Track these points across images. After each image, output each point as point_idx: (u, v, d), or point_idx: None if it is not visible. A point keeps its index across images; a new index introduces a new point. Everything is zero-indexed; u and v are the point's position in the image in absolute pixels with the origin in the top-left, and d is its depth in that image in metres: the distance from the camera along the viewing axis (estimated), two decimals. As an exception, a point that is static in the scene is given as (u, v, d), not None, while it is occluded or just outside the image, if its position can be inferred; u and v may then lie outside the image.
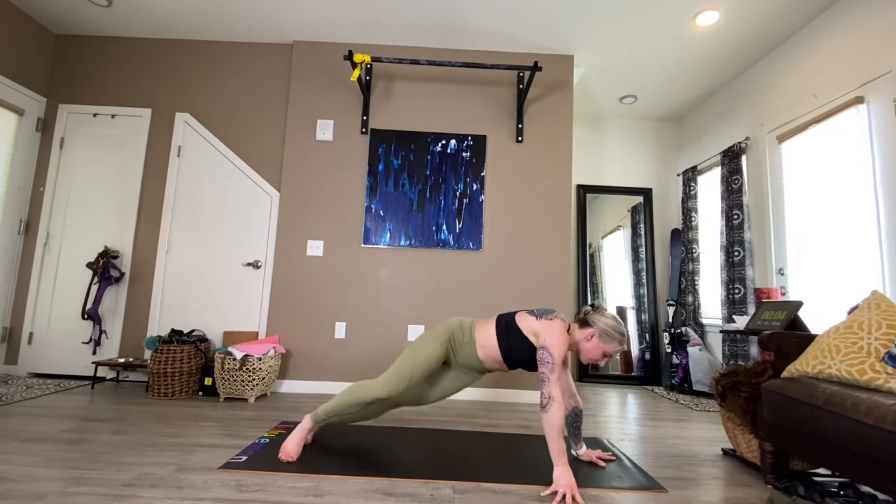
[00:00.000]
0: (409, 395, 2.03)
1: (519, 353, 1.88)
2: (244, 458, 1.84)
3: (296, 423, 2.36)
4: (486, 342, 1.93)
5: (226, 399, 2.88)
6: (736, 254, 3.51)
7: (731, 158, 3.66)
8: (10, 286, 3.36)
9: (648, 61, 3.62)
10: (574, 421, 2.01)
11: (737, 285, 3.47)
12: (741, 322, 2.53)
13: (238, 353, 2.82)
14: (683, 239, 4.21)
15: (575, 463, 1.96)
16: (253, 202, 3.43)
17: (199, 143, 3.48)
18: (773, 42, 3.31)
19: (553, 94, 3.51)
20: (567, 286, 3.32)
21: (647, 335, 4.32)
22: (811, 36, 3.06)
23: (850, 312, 1.85)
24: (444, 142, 3.42)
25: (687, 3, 2.92)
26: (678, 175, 4.50)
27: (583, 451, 2.02)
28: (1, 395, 2.68)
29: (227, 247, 3.39)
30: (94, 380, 3.12)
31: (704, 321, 4.03)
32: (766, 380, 1.96)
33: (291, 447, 1.85)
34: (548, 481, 1.71)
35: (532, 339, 1.86)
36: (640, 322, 4.36)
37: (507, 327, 1.91)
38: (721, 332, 2.91)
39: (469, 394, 3.23)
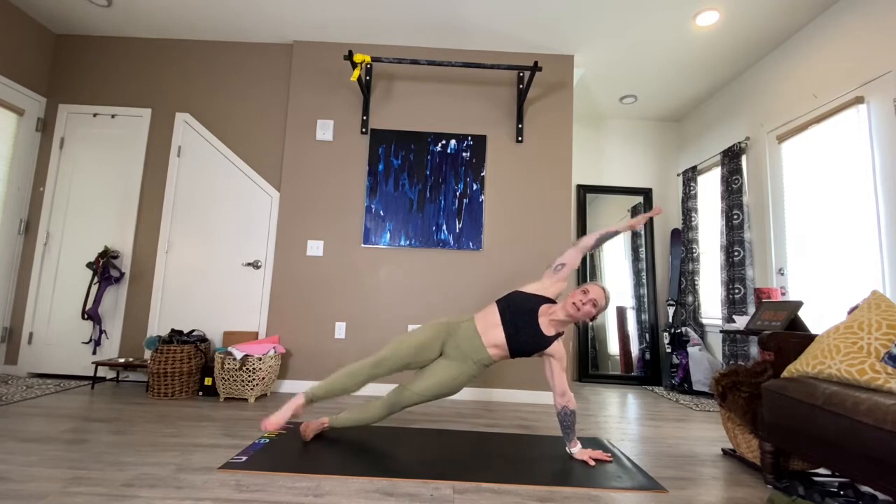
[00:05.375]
0: (397, 363, 2.07)
1: (523, 306, 2.09)
2: (244, 458, 1.84)
3: (296, 424, 2.36)
4: (488, 317, 2.12)
5: (226, 399, 2.88)
6: (736, 254, 3.51)
7: (731, 158, 3.66)
8: (10, 286, 3.36)
9: (648, 61, 3.61)
10: (565, 420, 2.04)
11: (737, 285, 3.47)
12: (741, 322, 2.53)
13: (238, 353, 2.82)
14: (683, 239, 4.20)
15: (571, 462, 1.96)
16: (253, 202, 3.43)
17: (199, 143, 3.48)
18: (773, 42, 3.31)
19: (553, 94, 3.51)
20: (567, 286, 3.31)
21: (647, 335, 4.32)
22: (811, 36, 3.06)
23: (850, 312, 1.85)
24: (444, 142, 3.42)
25: (687, 3, 2.92)
26: (678, 175, 4.50)
27: (577, 450, 2.03)
28: (1, 395, 2.68)
29: (227, 247, 3.39)
30: (94, 380, 3.12)
31: (704, 321, 4.03)
32: (766, 380, 1.96)
33: (275, 418, 1.91)
34: (547, 481, 1.71)
35: (539, 290, 2.15)
36: (640, 322, 4.36)
37: (509, 297, 2.15)
38: (721, 332, 2.91)
39: (469, 394, 3.23)
